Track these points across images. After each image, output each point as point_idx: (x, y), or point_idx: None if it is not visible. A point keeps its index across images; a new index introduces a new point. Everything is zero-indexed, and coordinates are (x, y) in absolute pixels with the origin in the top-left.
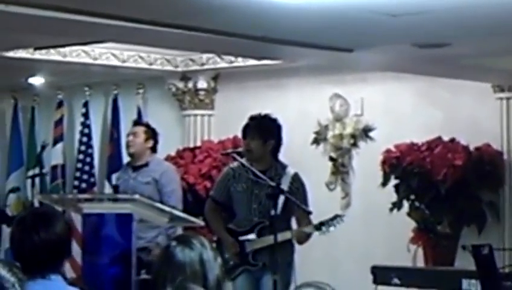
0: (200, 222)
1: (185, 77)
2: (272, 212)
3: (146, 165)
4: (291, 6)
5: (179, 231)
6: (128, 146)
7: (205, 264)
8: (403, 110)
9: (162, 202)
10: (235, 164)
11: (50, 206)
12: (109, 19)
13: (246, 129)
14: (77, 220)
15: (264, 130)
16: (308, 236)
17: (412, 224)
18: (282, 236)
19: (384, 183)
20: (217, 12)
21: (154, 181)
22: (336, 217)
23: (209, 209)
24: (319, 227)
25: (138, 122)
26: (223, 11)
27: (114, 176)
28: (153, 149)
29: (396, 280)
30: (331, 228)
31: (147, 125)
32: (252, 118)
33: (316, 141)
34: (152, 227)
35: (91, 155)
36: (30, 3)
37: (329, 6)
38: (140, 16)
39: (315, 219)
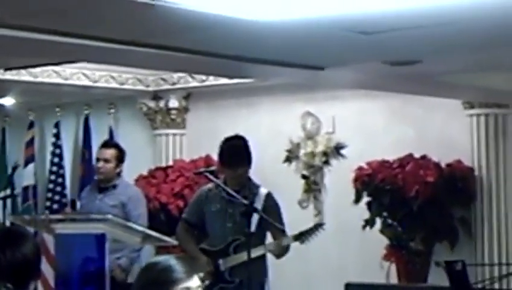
0: (173, 241)
1: (156, 96)
2: (247, 230)
3: (114, 187)
4: (261, 24)
5: (144, 255)
6: (98, 172)
7: None
8: (374, 127)
9: None
10: (208, 185)
11: (20, 227)
12: (80, 39)
13: (233, 158)
14: (49, 241)
15: (249, 155)
16: (286, 249)
17: (384, 241)
18: (256, 251)
19: (357, 201)
20: (187, 32)
21: (122, 205)
22: (317, 225)
23: (181, 230)
24: (298, 237)
25: (108, 143)
26: (194, 30)
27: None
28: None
29: None
30: (312, 237)
31: (118, 148)
32: (234, 146)
33: (288, 159)
34: (116, 250)
35: (63, 176)
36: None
37: (300, 24)
38: (111, 35)
39: None
